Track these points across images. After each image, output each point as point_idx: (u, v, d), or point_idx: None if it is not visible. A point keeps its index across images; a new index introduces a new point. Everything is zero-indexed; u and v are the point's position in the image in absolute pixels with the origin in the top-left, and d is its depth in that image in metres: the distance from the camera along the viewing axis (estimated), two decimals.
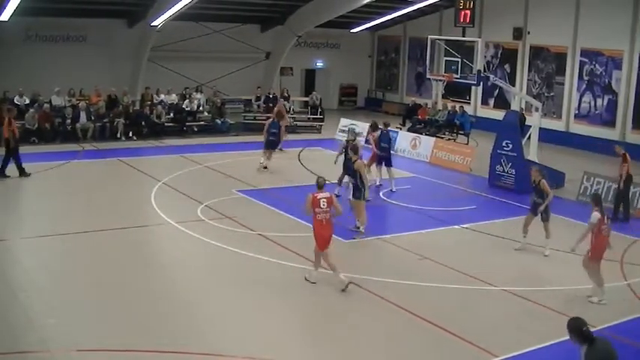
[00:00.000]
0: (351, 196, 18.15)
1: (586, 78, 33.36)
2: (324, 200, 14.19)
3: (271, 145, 25.55)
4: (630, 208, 20.74)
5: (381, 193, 22.24)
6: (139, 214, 19.24)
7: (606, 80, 32.49)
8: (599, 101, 32.85)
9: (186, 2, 29.84)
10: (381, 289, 14.19)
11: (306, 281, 14.51)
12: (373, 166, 23.24)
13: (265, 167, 25.27)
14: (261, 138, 26.09)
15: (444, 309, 13.47)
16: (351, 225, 17.98)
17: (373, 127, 23.87)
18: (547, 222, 17.04)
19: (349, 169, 18.95)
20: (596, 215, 13.82)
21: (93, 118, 30.63)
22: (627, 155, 20.40)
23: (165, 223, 18.36)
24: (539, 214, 17.03)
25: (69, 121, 29.98)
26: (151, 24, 33.36)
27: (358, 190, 17.81)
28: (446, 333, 12.32)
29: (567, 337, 8.11)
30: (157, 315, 12.69)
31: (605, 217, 14.09)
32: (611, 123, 32.27)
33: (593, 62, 32.94)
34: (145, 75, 35.81)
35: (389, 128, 23.97)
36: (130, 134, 30.95)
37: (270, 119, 26.42)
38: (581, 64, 33.50)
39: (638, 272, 15.97)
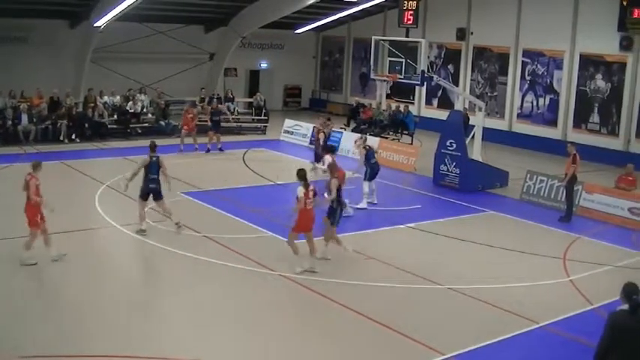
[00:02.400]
0: None
1: (528, 78, 33.88)
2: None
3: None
4: (573, 206, 21.02)
5: (325, 194, 22.21)
6: (83, 218, 18.92)
7: (548, 80, 33.02)
8: (541, 101, 33.38)
9: (130, 3, 29.47)
10: (327, 290, 14.19)
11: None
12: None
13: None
14: (205, 140, 26.79)
15: (390, 308, 13.52)
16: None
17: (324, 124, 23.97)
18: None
19: None
20: (300, 189, 14.68)
21: (35, 120, 30.07)
22: (577, 156, 20.49)
23: (109, 226, 18.13)
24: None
25: (10, 123, 29.43)
26: (94, 25, 32.87)
27: None
28: (394, 332, 12.35)
29: (514, 334, 8.14)
30: (102, 319, 12.48)
31: (311, 193, 14.80)
32: (553, 122, 32.81)
33: (535, 62, 33.47)
34: (89, 76, 35.16)
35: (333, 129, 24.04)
36: (73, 136, 30.44)
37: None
38: (524, 65, 34.03)
39: (580, 269, 16.27)
